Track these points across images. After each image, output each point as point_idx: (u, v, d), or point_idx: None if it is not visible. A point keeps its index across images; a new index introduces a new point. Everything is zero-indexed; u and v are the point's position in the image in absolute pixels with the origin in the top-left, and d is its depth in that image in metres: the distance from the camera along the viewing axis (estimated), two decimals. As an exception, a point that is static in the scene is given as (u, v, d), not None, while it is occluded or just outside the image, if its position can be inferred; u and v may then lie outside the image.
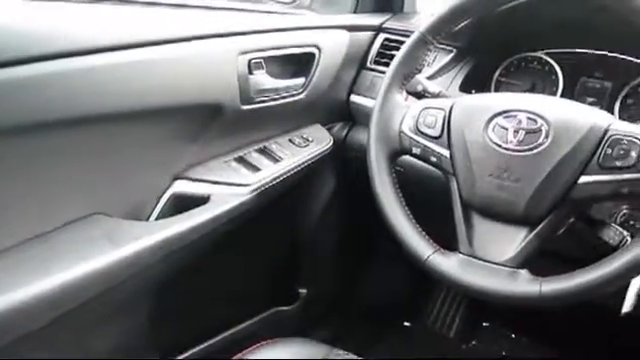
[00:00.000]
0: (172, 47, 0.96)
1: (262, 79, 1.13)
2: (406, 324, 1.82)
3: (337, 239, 1.58)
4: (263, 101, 1.15)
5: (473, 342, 1.78)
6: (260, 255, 1.37)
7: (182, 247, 0.97)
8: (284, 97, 1.19)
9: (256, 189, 1.09)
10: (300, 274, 1.53)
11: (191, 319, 1.21)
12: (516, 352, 1.72)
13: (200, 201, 1.04)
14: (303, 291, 1.53)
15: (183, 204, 1.04)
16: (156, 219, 1.04)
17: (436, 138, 0.89)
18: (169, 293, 1.06)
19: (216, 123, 1.09)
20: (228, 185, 1.08)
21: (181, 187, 1.07)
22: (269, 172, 1.14)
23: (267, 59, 1.13)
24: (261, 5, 1.44)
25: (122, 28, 0.91)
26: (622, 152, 0.75)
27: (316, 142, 1.28)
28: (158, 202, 1.06)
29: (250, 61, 1.09)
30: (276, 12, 1.36)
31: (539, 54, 1.24)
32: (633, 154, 0.75)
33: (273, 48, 1.15)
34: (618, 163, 0.75)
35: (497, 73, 1.27)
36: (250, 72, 1.09)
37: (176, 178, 1.08)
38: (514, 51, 1.27)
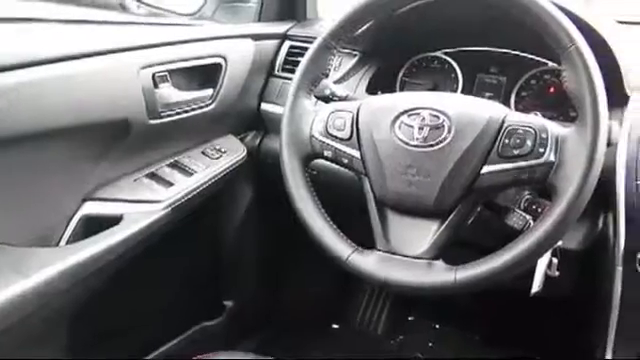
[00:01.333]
0: (73, 64, 0.93)
1: (168, 92, 1.11)
2: (335, 326, 1.84)
3: (259, 248, 1.57)
4: (171, 115, 1.13)
5: (400, 337, 1.82)
6: (181, 271, 1.34)
7: (96, 270, 0.93)
8: (193, 109, 1.18)
9: (170, 205, 1.07)
10: (224, 286, 1.51)
11: (112, 344, 1.17)
12: (441, 341, 1.78)
13: (112, 221, 1.01)
14: (228, 303, 1.51)
15: (95, 226, 1.01)
16: (67, 243, 1.00)
17: (346, 140, 0.91)
18: (86, 320, 1.02)
19: (124, 140, 1.06)
20: (141, 203, 1.05)
21: (91, 208, 1.03)
22: (183, 186, 1.12)
23: (172, 72, 1.12)
24: (163, 18, 1.42)
25: (20, 46, 0.87)
26: (518, 141, 0.80)
27: (229, 153, 1.27)
28: (68, 225, 1.01)
29: (154, 75, 1.07)
30: (178, 24, 1.34)
31: (438, 54, 1.30)
32: (528, 142, 0.79)
33: (177, 60, 1.13)
34: (516, 152, 0.80)
35: (401, 74, 1.32)
36: (155, 86, 1.07)
37: (85, 199, 1.04)
38: (415, 52, 1.32)
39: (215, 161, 1.23)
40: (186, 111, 1.16)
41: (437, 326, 1.83)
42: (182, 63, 1.14)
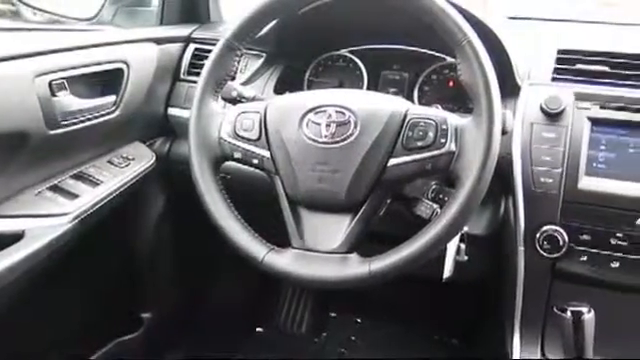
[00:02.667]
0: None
1: (68, 100, 1.06)
2: (259, 329, 1.83)
3: (176, 255, 1.54)
4: (73, 124, 1.08)
5: (324, 334, 1.84)
6: (93, 286, 1.29)
7: (-2, 291, 0.88)
8: (96, 117, 1.13)
9: (76, 217, 1.03)
10: (141, 298, 1.47)
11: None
12: (363, 335, 1.81)
13: (13, 238, 0.95)
14: (146, 316, 1.47)
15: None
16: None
17: (255, 140, 0.91)
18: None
19: (22, 152, 1.01)
20: (44, 217, 1.00)
21: (-10, 226, 0.97)
22: (89, 198, 1.08)
23: (71, 79, 1.07)
24: (59, 24, 1.36)
25: None
26: (421, 133, 0.83)
27: (138, 160, 1.23)
28: (-35, 246, 0.95)
29: (51, 82, 1.02)
30: (76, 30, 1.29)
31: (343, 52, 1.33)
32: (430, 134, 0.83)
33: (76, 67, 1.08)
34: (419, 143, 0.83)
35: (307, 74, 1.34)
36: (53, 94, 1.02)
37: (-17, 217, 0.98)
38: (320, 51, 1.34)
39: (123, 169, 1.19)
40: (89, 119, 1.11)
41: (359, 320, 1.86)
42: (81, 69, 1.10)
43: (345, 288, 0.85)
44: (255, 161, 0.91)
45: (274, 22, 1.12)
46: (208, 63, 0.95)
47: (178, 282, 1.58)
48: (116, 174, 1.17)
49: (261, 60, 1.30)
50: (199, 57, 1.34)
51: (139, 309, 1.47)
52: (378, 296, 1.74)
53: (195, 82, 1.27)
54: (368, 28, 1.27)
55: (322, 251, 0.86)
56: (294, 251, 0.87)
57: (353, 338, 1.81)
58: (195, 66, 1.33)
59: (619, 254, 0.98)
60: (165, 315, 1.52)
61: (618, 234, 0.97)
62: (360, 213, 0.86)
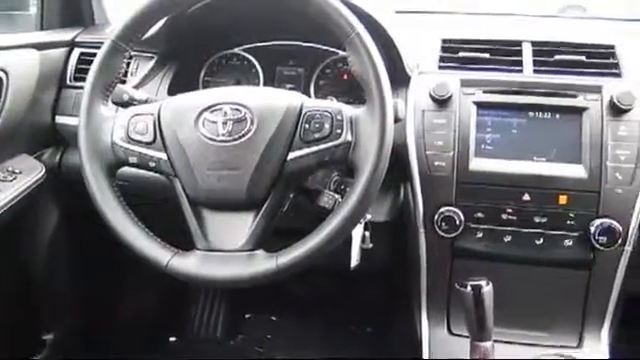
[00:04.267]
0: None
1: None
2: (172, 339, 1.79)
3: (76, 271, 1.46)
4: (-52, 139, 1.00)
5: (240, 336, 1.82)
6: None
7: None
8: (-26, 130, 1.06)
9: (-42, 238, 0.95)
10: (42, 319, 1.39)
11: None
12: (280, 332, 1.82)
13: None
14: (49, 337, 1.39)
15: None
16: None
17: (150, 143, 0.88)
18: None
19: None
20: None
21: None
22: (-27, 216, 1.00)
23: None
24: None
25: None
26: (317, 125, 0.85)
27: (25, 173, 1.16)
28: None
29: None
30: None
31: (237, 50, 1.32)
32: (326, 125, 0.84)
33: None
34: (316, 135, 0.84)
35: (202, 74, 1.32)
36: None
37: None
38: (214, 51, 1.32)
39: (9, 184, 1.12)
40: (-34, 133, 1.04)
41: (274, 318, 1.86)
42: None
43: (254, 285, 0.85)
44: (152, 164, 0.89)
45: (163, 21, 1.10)
46: (94, 66, 0.91)
47: (81, 298, 1.51)
48: (1, 189, 1.09)
49: (153, 61, 1.26)
50: (85, 62, 1.28)
51: (41, 330, 1.39)
52: (292, 293, 1.75)
53: (83, 88, 1.22)
54: (260, 25, 1.27)
55: (228, 250, 0.85)
56: (199, 253, 0.86)
57: (269, 337, 1.81)
58: (82, 71, 1.27)
59: (510, 228, 1.05)
60: (69, 334, 1.45)
61: (508, 210, 1.04)
62: (263, 209, 0.86)
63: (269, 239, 0.87)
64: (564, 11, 1.56)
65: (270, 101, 0.88)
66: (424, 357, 1.10)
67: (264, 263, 0.83)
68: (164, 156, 0.88)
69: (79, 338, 1.51)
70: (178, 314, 1.82)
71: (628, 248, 1.03)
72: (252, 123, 0.85)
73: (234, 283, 0.85)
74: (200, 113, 0.87)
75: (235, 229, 0.86)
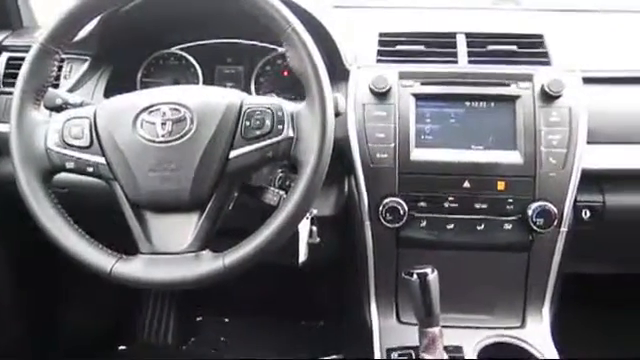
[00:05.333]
0: None
1: None
2: (122, 348, 1.75)
3: (14, 285, 1.41)
4: None
5: (192, 339, 1.80)
6: None
7: None
8: None
9: None
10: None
11: None
12: (233, 333, 1.80)
13: None
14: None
15: None
16: None
17: (87, 148, 0.86)
18: None
19: None
20: None
21: None
22: None
23: None
24: None
25: None
26: (258, 122, 0.84)
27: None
28: None
29: None
30: None
31: (174, 50, 1.30)
32: (267, 122, 0.84)
33: None
34: (258, 132, 0.84)
35: (139, 74, 1.29)
36: None
37: None
38: (150, 51, 1.29)
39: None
40: None
41: (226, 320, 1.85)
42: None
43: (202, 286, 0.84)
44: (90, 169, 0.87)
45: (95, 22, 1.08)
46: (23, 70, 0.88)
47: (22, 314, 1.45)
48: None
49: (87, 64, 1.22)
50: (14, 66, 1.23)
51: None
52: (242, 292, 1.74)
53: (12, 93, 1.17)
54: (197, 24, 1.26)
55: (173, 252, 0.84)
56: (143, 256, 0.84)
57: (223, 339, 1.80)
58: (11, 76, 1.22)
59: (453, 216, 1.07)
60: (11, 353, 1.39)
61: (450, 198, 1.06)
62: (208, 209, 0.85)
63: (215, 239, 0.87)
64: (497, 4, 1.61)
65: (209, 99, 0.87)
66: (375, 346, 1.12)
67: (211, 263, 0.83)
68: (102, 160, 0.86)
69: (21, 356, 1.46)
70: (127, 320, 1.78)
71: (564, 229, 1.08)
72: (192, 122, 0.84)
73: (181, 285, 0.84)
74: (138, 114, 0.85)
75: (180, 230, 0.85)
